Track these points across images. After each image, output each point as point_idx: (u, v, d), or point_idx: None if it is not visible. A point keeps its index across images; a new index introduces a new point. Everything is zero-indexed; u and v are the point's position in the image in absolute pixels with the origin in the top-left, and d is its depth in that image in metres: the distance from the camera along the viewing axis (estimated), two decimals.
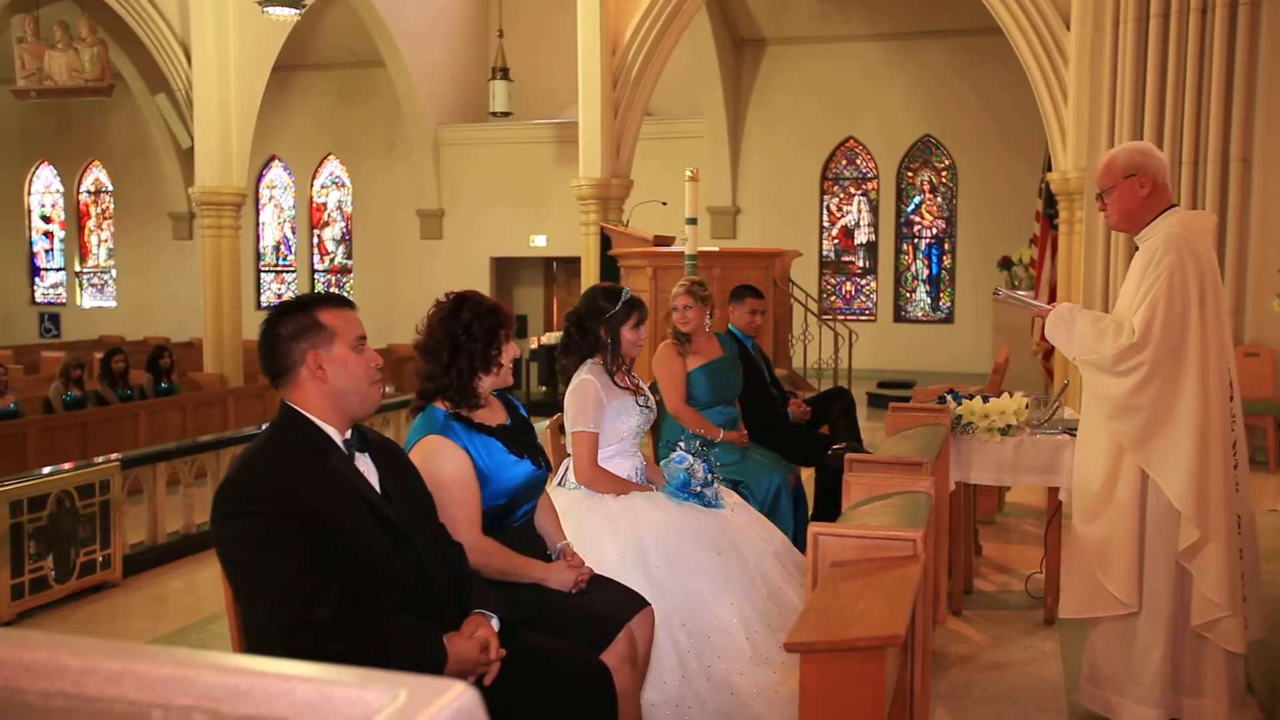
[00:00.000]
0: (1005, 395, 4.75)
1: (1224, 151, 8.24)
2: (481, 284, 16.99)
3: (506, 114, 16.24)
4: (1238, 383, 3.45)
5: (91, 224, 20.31)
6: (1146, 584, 3.35)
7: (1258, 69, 8.15)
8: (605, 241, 10.09)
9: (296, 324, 2.28)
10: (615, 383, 3.87)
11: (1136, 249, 3.48)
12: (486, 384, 2.91)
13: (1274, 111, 8.15)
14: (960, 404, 4.70)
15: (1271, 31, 8.09)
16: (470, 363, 2.84)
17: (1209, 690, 3.34)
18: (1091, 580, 3.40)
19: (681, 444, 3.90)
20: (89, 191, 20.24)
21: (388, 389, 8.04)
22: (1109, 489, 3.38)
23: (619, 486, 3.77)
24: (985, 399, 4.72)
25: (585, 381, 3.81)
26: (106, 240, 20.19)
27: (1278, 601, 4.27)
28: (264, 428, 2.37)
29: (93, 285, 20.36)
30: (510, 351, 2.92)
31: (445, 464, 2.75)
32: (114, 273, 20.03)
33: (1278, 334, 7.86)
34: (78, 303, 20.23)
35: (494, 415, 2.96)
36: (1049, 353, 10.00)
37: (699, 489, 3.75)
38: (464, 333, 2.84)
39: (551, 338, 12.90)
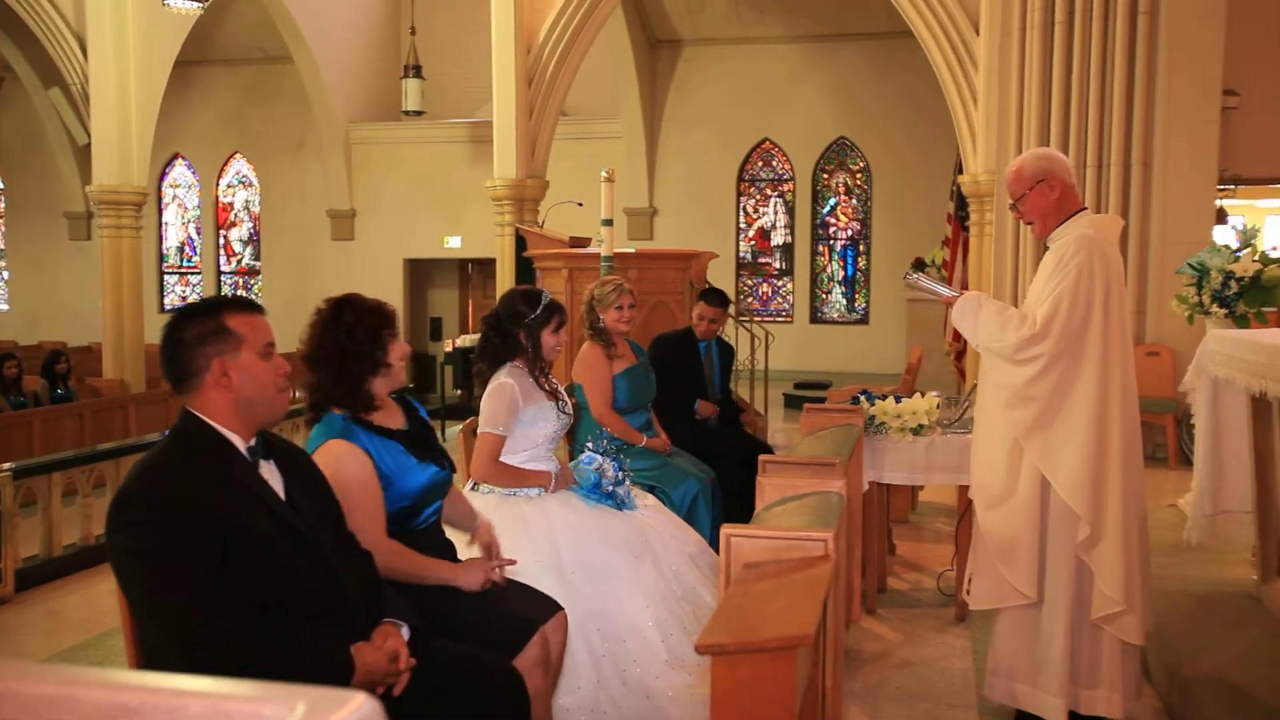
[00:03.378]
0: (917, 395, 4.85)
1: (1126, 155, 8.53)
2: (395, 286, 16.79)
3: (419, 113, 16.08)
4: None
5: None
6: (1048, 576, 3.45)
7: (1156, 76, 8.46)
8: (520, 243, 10.05)
9: (202, 328, 2.23)
10: (539, 385, 3.86)
11: (1046, 249, 3.59)
12: (379, 386, 2.88)
13: (1172, 117, 8.47)
14: (874, 404, 4.79)
15: (1168, 40, 8.41)
16: (360, 367, 2.81)
17: (1104, 681, 3.46)
18: (997, 572, 3.50)
19: (590, 445, 3.91)
20: None
21: (296, 394, 7.90)
22: (1012, 479, 3.47)
23: (517, 478, 3.76)
24: (898, 399, 4.82)
25: (504, 384, 3.80)
26: None
27: (1175, 594, 4.44)
28: (164, 435, 2.32)
29: None
30: (398, 350, 2.88)
31: (347, 467, 2.72)
32: (5, 274, 19.34)
33: (1177, 334, 8.16)
34: None
35: (392, 419, 2.93)
36: (961, 353, 10.24)
37: (610, 489, 3.76)
38: (348, 337, 2.81)
39: (466, 340, 12.79)
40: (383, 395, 2.90)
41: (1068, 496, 3.35)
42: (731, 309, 11.25)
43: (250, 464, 2.27)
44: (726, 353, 6.12)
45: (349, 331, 2.81)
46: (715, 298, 5.91)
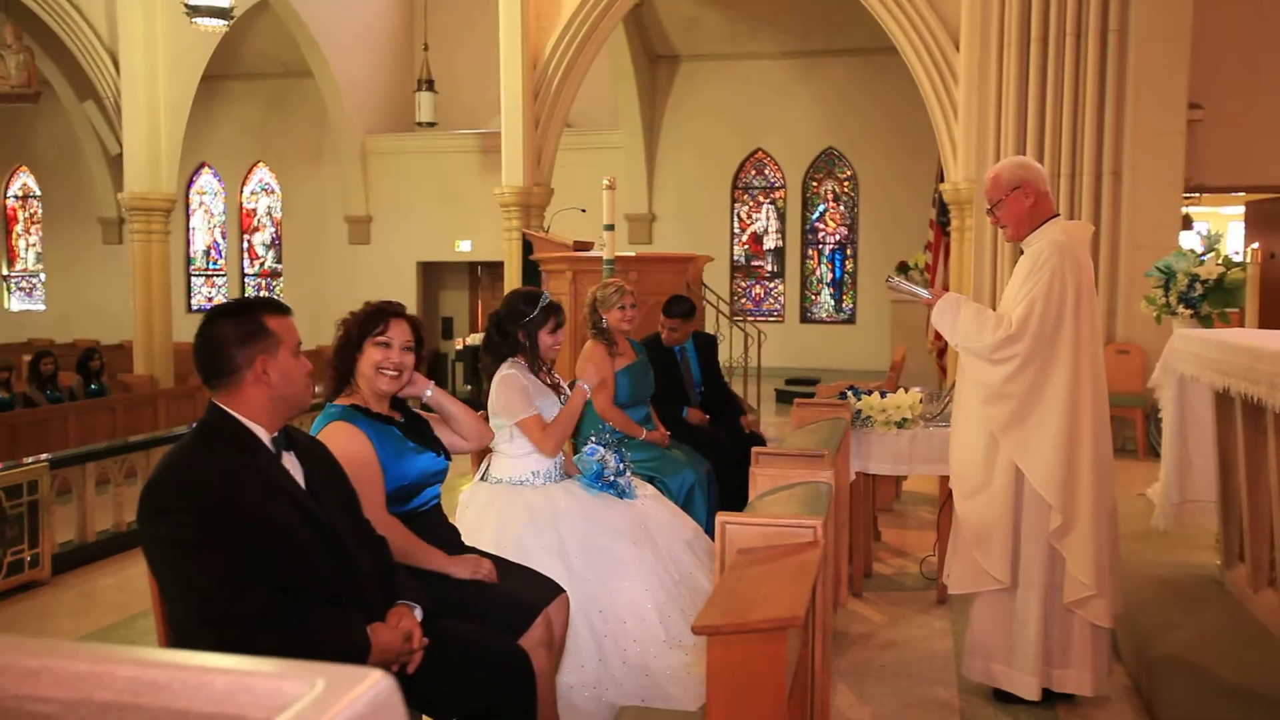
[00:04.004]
0: (902, 391, 4.85)
1: (1098, 165, 8.53)
2: (408, 287, 16.79)
3: (432, 124, 16.07)
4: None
5: (19, 228, 19.57)
6: (1022, 562, 3.45)
7: (1126, 90, 8.46)
8: (527, 247, 10.04)
9: (245, 329, 2.22)
10: (539, 380, 3.85)
11: (1022, 253, 3.59)
12: (366, 382, 2.89)
13: (1140, 129, 8.46)
14: (860, 399, 4.78)
15: (1137, 57, 8.41)
16: (346, 364, 2.89)
17: (1075, 661, 3.46)
18: (974, 558, 3.50)
19: (593, 436, 3.90)
20: (16, 196, 19.50)
21: (316, 389, 7.91)
22: (989, 470, 3.47)
23: (562, 428, 3.77)
24: (883, 394, 4.82)
25: (509, 375, 3.79)
26: (35, 244, 19.47)
27: (1144, 578, 4.44)
28: (191, 428, 2.32)
29: (21, 289, 19.62)
30: (372, 357, 2.87)
31: (348, 447, 2.72)
32: (43, 277, 19.33)
33: (1146, 333, 8.16)
34: (5, 306, 19.47)
35: (390, 413, 2.98)
36: (942, 351, 10.23)
37: (612, 479, 3.75)
38: (344, 336, 2.91)
39: (476, 339, 12.80)
40: (370, 391, 2.90)
41: (1041, 488, 3.35)
42: (726, 307, 11.24)
43: (273, 455, 2.27)
44: (706, 346, 5.93)
45: (345, 331, 2.92)
46: (674, 308, 5.71)
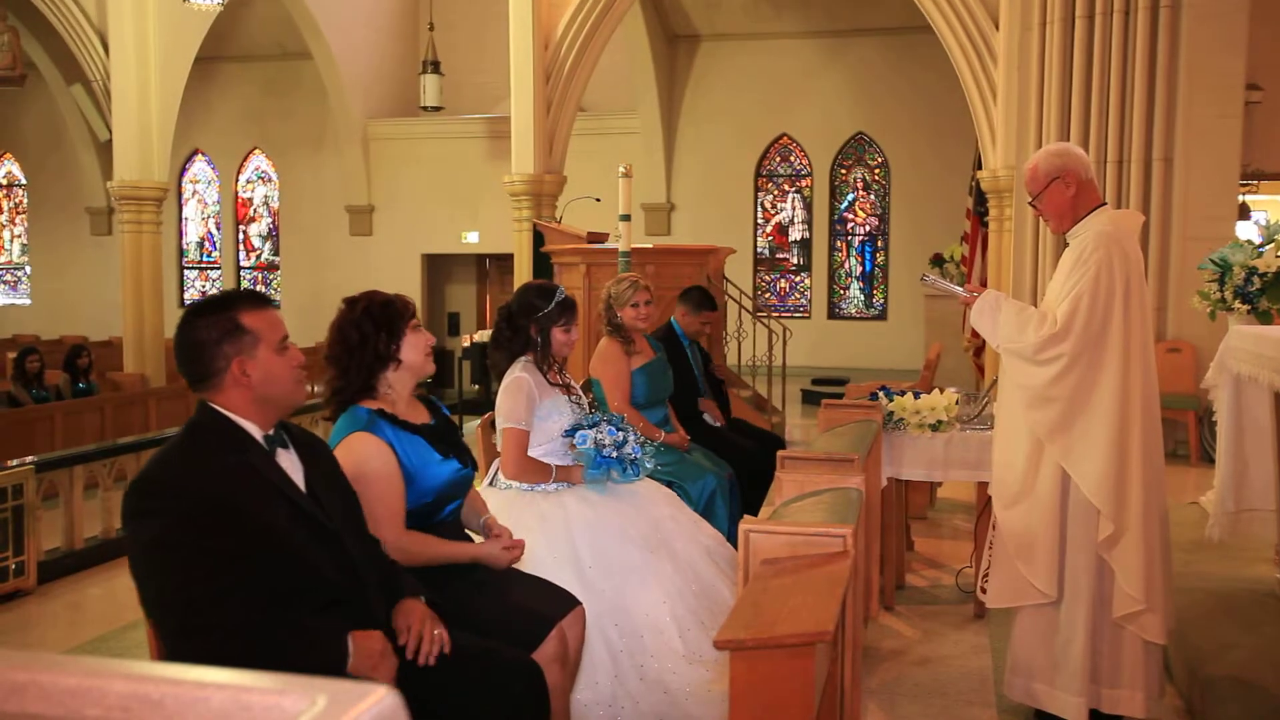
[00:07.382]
0: (936, 391, 4.83)
1: (1147, 151, 8.46)
2: (413, 281, 16.84)
3: (438, 108, 16.11)
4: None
5: (3, 219, 19.73)
6: (1067, 574, 3.43)
7: (1178, 70, 8.39)
8: (538, 238, 10.06)
9: (218, 328, 2.22)
10: (548, 380, 3.85)
11: (1067, 245, 3.57)
12: (397, 380, 2.89)
13: (1194, 112, 8.40)
14: (892, 400, 4.77)
15: (1190, 33, 8.33)
16: (370, 361, 2.83)
17: (1126, 680, 3.43)
18: (1015, 570, 3.48)
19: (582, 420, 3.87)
20: (0, 185, 19.66)
21: (313, 388, 7.95)
22: (1031, 477, 3.45)
23: (545, 473, 3.75)
24: (916, 395, 4.80)
25: (519, 379, 3.80)
26: (20, 236, 19.63)
27: (1196, 592, 4.41)
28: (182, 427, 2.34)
29: (4, 283, 19.78)
30: (415, 344, 2.89)
31: (371, 460, 2.73)
32: (28, 269, 19.49)
33: (1198, 330, 8.09)
34: None
35: (416, 414, 2.95)
36: (980, 349, 10.19)
37: (615, 453, 3.71)
38: (356, 330, 2.83)
39: (483, 336, 12.82)
40: (402, 389, 2.91)
41: (1093, 495, 3.32)
42: (749, 303, 11.22)
43: (267, 453, 2.27)
44: (698, 346, 6.00)
45: (357, 325, 2.84)
46: (707, 300, 5.81)
